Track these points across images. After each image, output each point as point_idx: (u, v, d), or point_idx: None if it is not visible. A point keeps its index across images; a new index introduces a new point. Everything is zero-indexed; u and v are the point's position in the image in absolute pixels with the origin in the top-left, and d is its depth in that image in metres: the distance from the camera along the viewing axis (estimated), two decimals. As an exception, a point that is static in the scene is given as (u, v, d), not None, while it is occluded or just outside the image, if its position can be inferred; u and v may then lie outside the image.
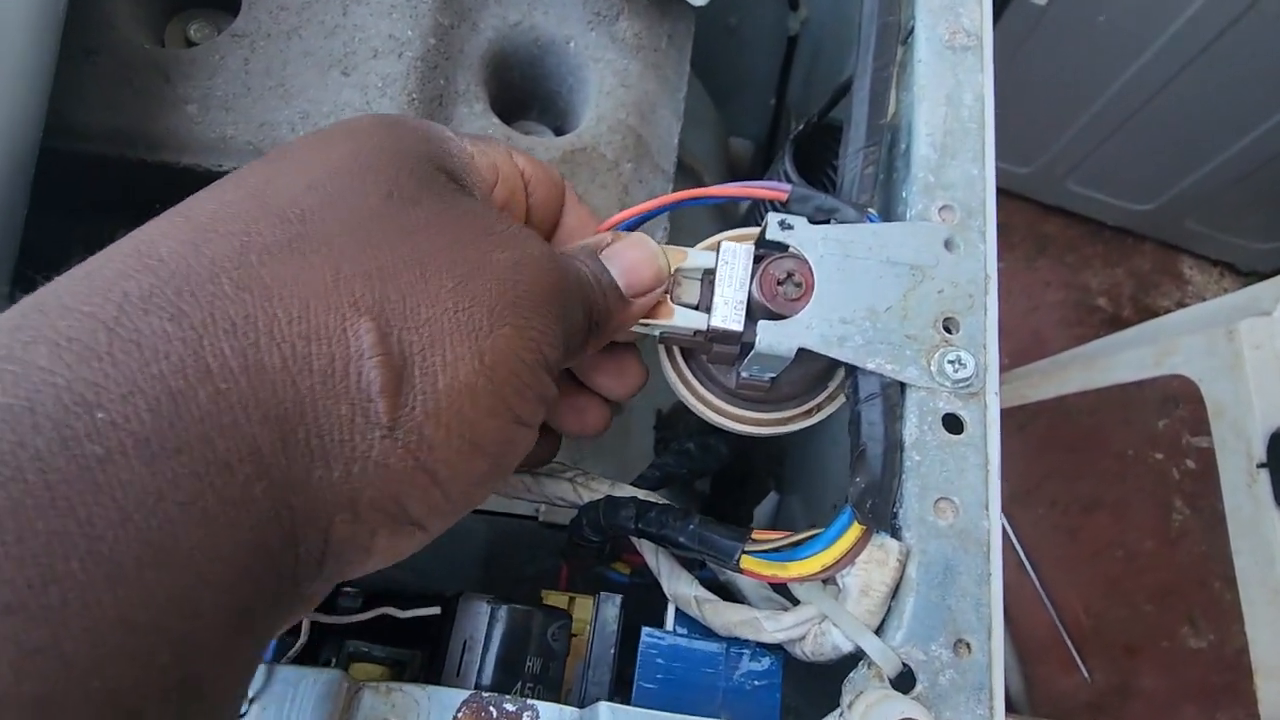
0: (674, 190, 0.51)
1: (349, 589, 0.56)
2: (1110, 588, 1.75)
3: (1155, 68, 1.38)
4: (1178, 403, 1.89)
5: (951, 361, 0.30)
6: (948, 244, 0.33)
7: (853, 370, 0.32)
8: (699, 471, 0.59)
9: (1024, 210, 1.84)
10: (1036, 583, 1.74)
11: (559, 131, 0.52)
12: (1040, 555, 1.80)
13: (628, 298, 0.31)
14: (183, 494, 0.16)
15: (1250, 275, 1.91)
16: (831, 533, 0.29)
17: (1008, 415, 0.32)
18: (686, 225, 0.53)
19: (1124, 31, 1.34)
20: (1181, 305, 1.90)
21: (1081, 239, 1.87)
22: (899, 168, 0.36)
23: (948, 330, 0.31)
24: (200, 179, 0.41)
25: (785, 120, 0.98)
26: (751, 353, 0.32)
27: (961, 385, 0.30)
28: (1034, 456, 1.84)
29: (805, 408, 0.37)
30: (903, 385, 0.31)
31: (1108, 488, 1.80)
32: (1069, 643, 1.68)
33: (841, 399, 0.37)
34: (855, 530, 0.29)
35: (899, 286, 0.31)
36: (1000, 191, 0.38)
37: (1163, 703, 1.67)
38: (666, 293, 0.35)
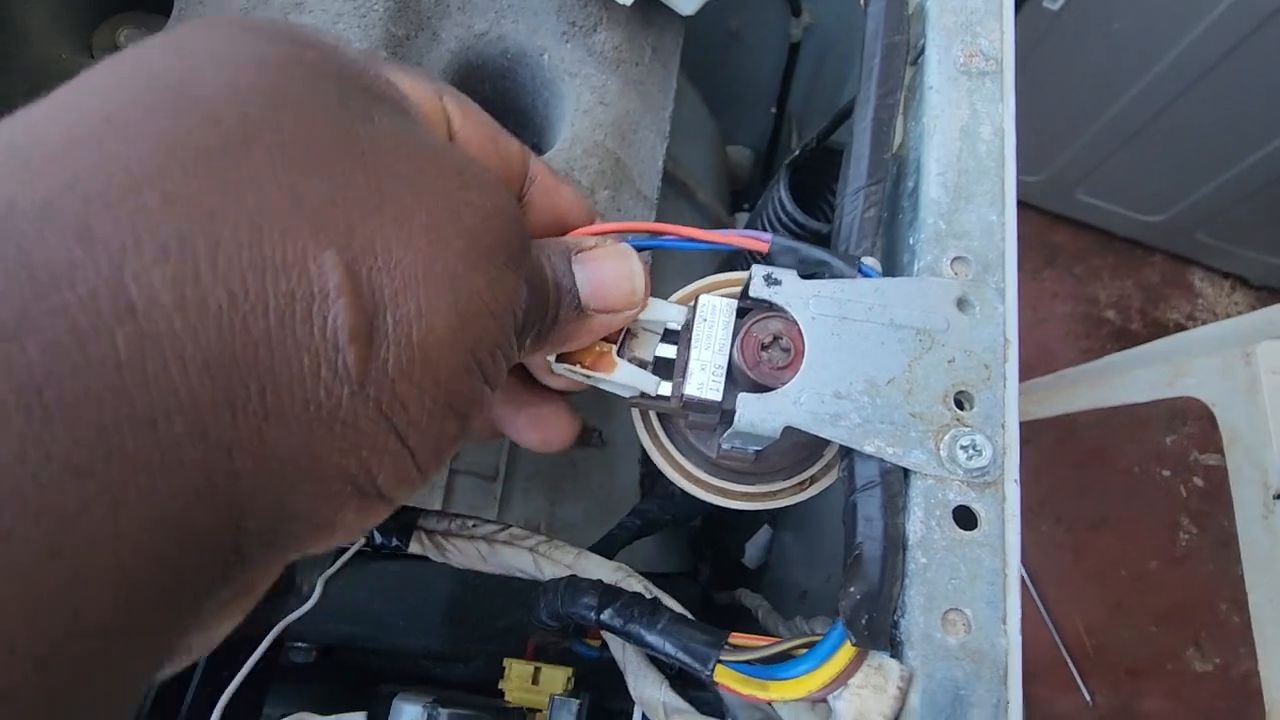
0: (661, 208, 0.47)
1: (300, 644, 0.52)
2: (1114, 608, 1.71)
3: (1170, 77, 1.34)
4: (1186, 419, 1.85)
5: (965, 446, 0.26)
6: (960, 304, 0.28)
7: (849, 451, 0.27)
8: (683, 518, 0.55)
9: (1032, 220, 1.79)
10: (1038, 601, 1.70)
11: (536, 150, 0.48)
12: (1042, 573, 1.76)
13: (587, 310, 0.26)
14: (81, 457, 0.13)
15: (1262, 289, 1.86)
16: (821, 650, 0.24)
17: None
18: (671, 253, 0.49)
19: (1139, 39, 1.30)
20: (1191, 319, 1.85)
21: (1090, 250, 1.82)
22: (905, 209, 0.32)
23: (960, 406, 0.27)
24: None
25: (786, 129, 0.93)
26: (732, 429, 0.27)
27: (976, 475, 0.26)
28: (1038, 472, 1.80)
29: (796, 481, 0.33)
30: (906, 472, 0.27)
31: (1113, 505, 1.76)
32: (1070, 663, 1.64)
33: (836, 473, 0.33)
34: (848, 650, 0.24)
35: (903, 355, 0.27)
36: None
37: (1165, 727, 1.63)
38: (612, 343, 0.31)
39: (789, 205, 0.44)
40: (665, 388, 0.30)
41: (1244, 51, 1.26)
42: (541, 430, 0.32)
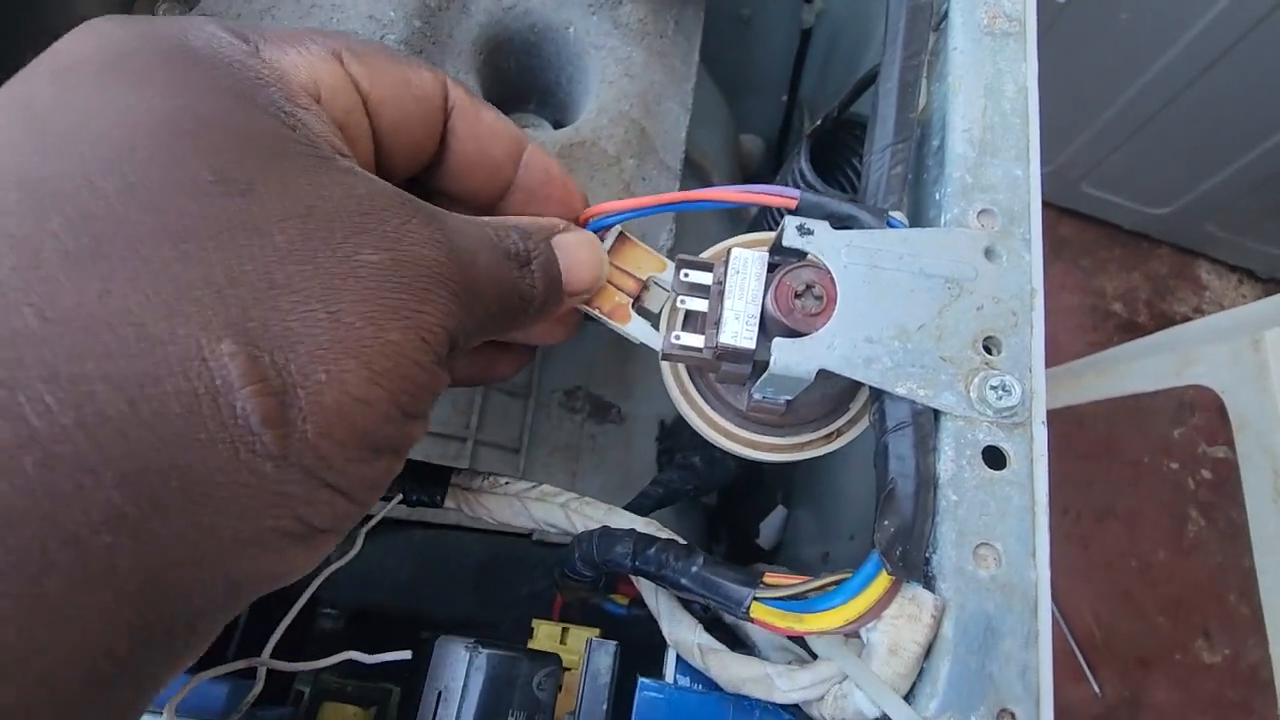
0: (680, 189, 0.48)
1: (330, 610, 0.53)
2: (1122, 598, 1.71)
3: (1177, 68, 1.34)
4: (1194, 410, 1.85)
5: (995, 387, 0.26)
6: (988, 253, 0.29)
7: (879, 395, 0.28)
8: (705, 488, 0.56)
9: (1038, 212, 1.79)
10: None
11: (559, 125, 0.49)
12: (1051, 564, 1.76)
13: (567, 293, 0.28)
14: (9, 586, 0.13)
15: (1270, 282, 1.86)
16: (856, 582, 0.25)
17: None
18: (691, 226, 0.49)
19: (1145, 31, 1.30)
20: (1199, 311, 1.85)
21: (1097, 242, 1.83)
22: (930, 167, 0.33)
23: (988, 351, 0.28)
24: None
25: (798, 117, 0.94)
26: (765, 374, 0.28)
27: (1005, 415, 0.27)
28: (1045, 464, 1.80)
29: (824, 432, 0.34)
30: (936, 413, 0.27)
31: (1121, 496, 1.76)
32: (1078, 654, 1.64)
33: (864, 423, 0.33)
34: (883, 580, 0.25)
35: (933, 302, 0.28)
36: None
37: (1174, 717, 1.63)
38: (632, 297, 0.33)
39: (809, 175, 0.45)
40: (697, 339, 0.31)
41: (1251, 42, 1.26)
42: (487, 370, 0.33)
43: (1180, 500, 1.74)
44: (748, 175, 1.01)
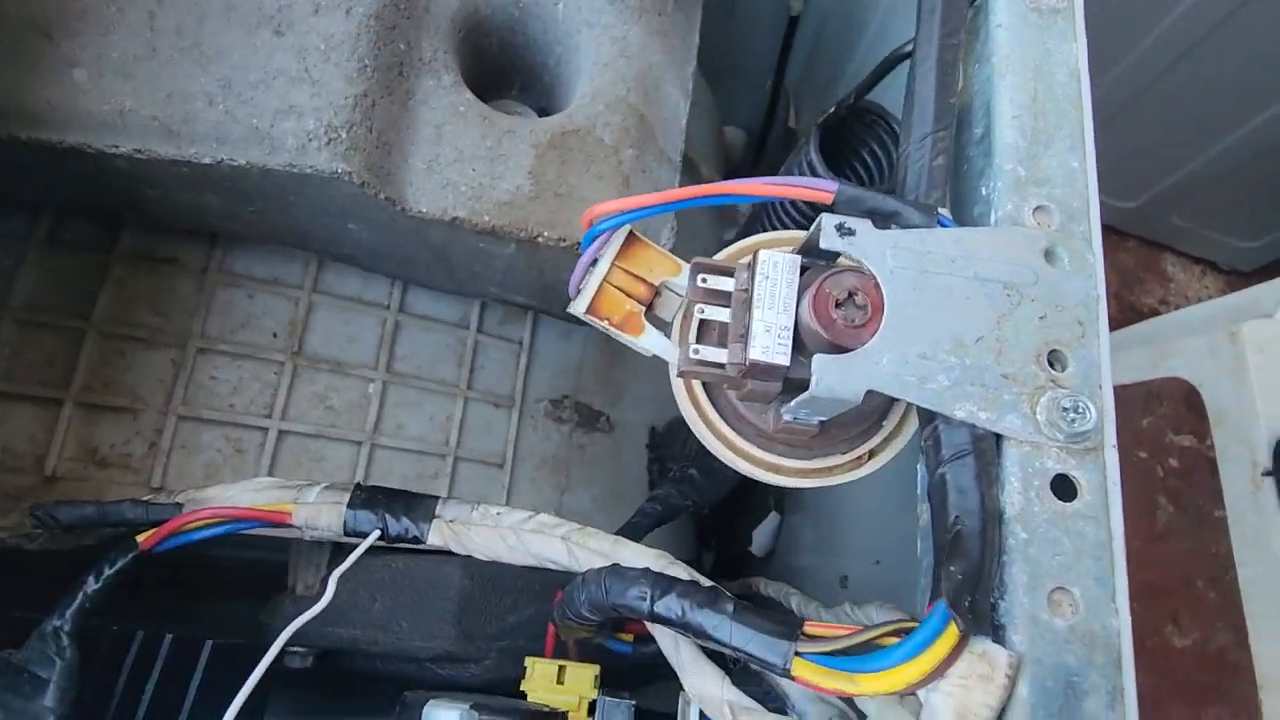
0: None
1: (297, 649, 0.48)
2: (1094, 588, 1.73)
3: (1144, 63, 1.35)
4: (1161, 400, 1.88)
5: (1067, 409, 0.23)
6: (1048, 255, 0.26)
7: (931, 418, 0.25)
8: (705, 502, 0.52)
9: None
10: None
11: (545, 113, 0.45)
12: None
13: None
14: None
15: (1231, 273, 1.90)
16: (920, 638, 0.22)
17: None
18: (680, 226, 0.46)
19: (1113, 26, 1.30)
20: (1165, 303, 1.88)
21: (1068, 235, 1.84)
22: (973, 158, 0.29)
23: (1053, 366, 0.25)
24: (92, 163, 0.33)
25: (783, 108, 0.91)
26: (805, 395, 0.24)
27: (1078, 439, 0.23)
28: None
29: (854, 454, 0.30)
30: (998, 438, 0.24)
31: (1092, 487, 1.78)
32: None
33: (901, 444, 0.30)
34: (951, 635, 0.22)
35: (991, 310, 0.25)
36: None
37: (1149, 701, 1.66)
38: (644, 305, 0.29)
39: (820, 168, 0.41)
40: (720, 354, 0.27)
41: (1217, 38, 1.27)
42: None
43: (1150, 488, 1.77)
44: (729, 168, 0.98)
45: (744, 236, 0.62)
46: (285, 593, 0.47)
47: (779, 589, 0.53)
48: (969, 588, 0.22)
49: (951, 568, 0.22)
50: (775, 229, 0.48)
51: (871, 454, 0.30)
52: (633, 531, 0.47)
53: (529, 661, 0.39)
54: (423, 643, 0.46)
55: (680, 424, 0.73)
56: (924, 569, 0.28)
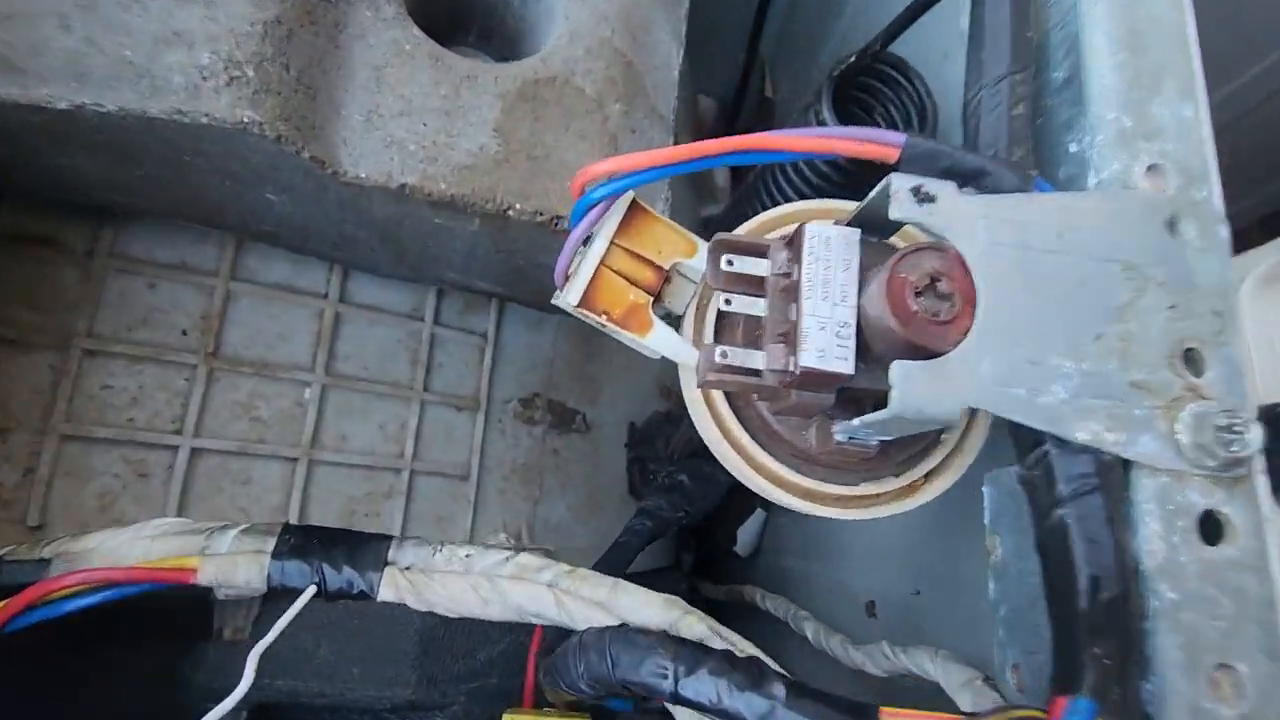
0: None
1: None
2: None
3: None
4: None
5: (1222, 428, 0.18)
6: (1170, 226, 0.20)
7: (1038, 442, 0.19)
8: (698, 512, 0.47)
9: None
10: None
11: (505, 60, 0.38)
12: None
13: None
14: None
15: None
16: (1047, 740, 0.16)
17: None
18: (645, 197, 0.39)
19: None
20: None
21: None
22: (1056, 106, 0.24)
23: (1189, 370, 0.19)
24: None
25: (758, 76, 0.84)
26: (883, 413, 0.18)
27: (1229, 468, 0.18)
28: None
29: (905, 481, 0.25)
30: (1126, 463, 0.19)
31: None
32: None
33: (963, 467, 0.25)
34: (1090, 736, 0.16)
35: (1111, 299, 0.19)
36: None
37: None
38: (652, 294, 0.23)
39: (832, 123, 0.35)
40: (754, 357, 0.21)
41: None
42: None
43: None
44: (699, 138, 0.91)
45: (732, 214, 0.56)
46: (210, 639, 0.39)
47: (783, 607, 0.47)
48: (1116, 675, 0.16)
49: (1096, 649, 0.16)
50: (779, 203, 0.42)
51: (928, 477, 0.25)
52: (622, 553, 0.41)
53: (508, 716, 0.32)
54: (378, 691, 0.39)
55: (661, 419, 0.67)
56: (1002, 619, 0.23)
